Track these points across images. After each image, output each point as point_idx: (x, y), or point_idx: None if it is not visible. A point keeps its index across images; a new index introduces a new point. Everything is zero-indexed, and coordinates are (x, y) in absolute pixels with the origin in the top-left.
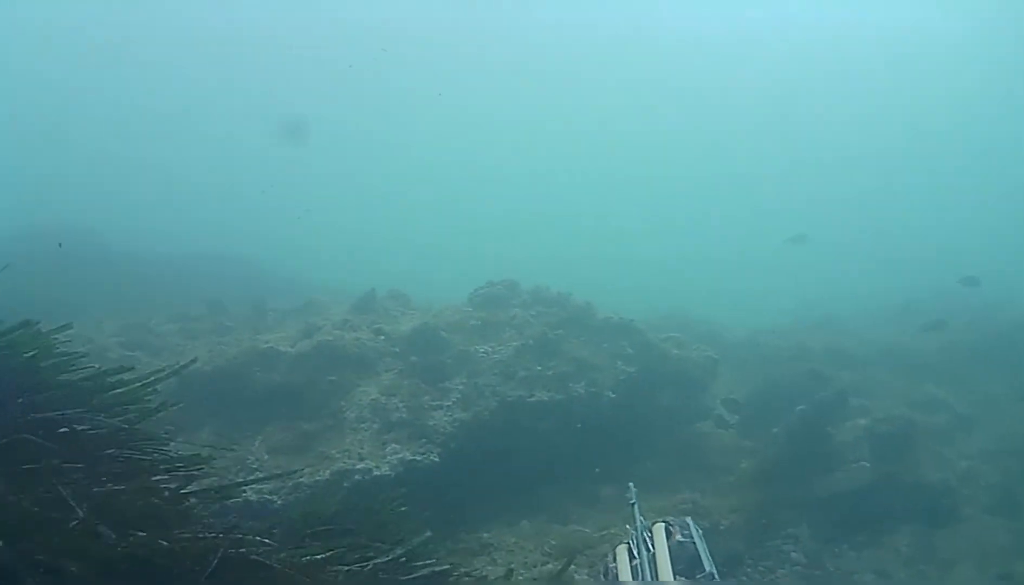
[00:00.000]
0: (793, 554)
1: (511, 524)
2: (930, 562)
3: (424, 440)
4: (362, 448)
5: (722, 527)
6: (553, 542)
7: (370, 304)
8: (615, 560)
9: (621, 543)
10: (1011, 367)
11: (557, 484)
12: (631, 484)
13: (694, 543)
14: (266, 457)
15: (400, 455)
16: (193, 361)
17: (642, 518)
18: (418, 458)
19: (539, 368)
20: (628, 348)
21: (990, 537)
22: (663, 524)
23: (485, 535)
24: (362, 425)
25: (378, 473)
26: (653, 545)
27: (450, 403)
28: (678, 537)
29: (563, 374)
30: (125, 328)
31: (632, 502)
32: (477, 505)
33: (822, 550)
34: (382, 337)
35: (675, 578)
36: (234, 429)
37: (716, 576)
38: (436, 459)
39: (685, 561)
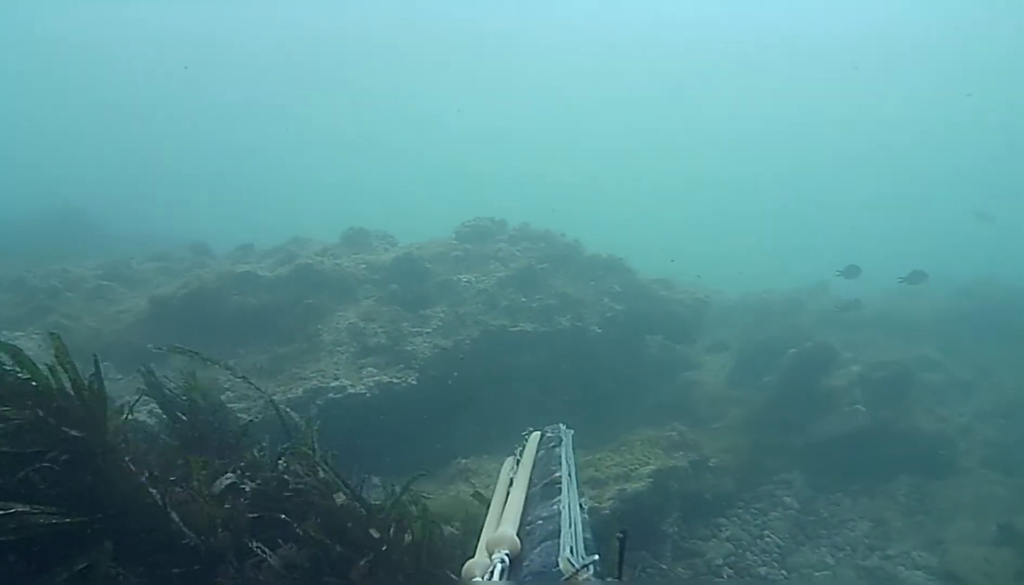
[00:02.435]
0: (786, 499)
1: (491, 451)
2: (928, 513)
3: (402, 365)
4: (338, 369)
5: (711, 464)
6: None
7: (357, 239)
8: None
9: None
10: (1006, 338)
11: (543, 415)
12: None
13: (559, 443)
14: (238, 378)
15: (377, 378)
16: None
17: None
18: (395, 381)
19: (523, 299)
20: (615, 286)
21: (988, 491)
22: (538, 432)
23: (463, 460)
24: (339, 348)
25: (352, 391)
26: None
27: (430, 330)
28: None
29: (548, 307)
30: (106, 264)
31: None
32: (457, 431)
33: (816, 496)
34: (363, 265)
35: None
36: (208, 353)
37: (573, 476)
38: (414, 383)
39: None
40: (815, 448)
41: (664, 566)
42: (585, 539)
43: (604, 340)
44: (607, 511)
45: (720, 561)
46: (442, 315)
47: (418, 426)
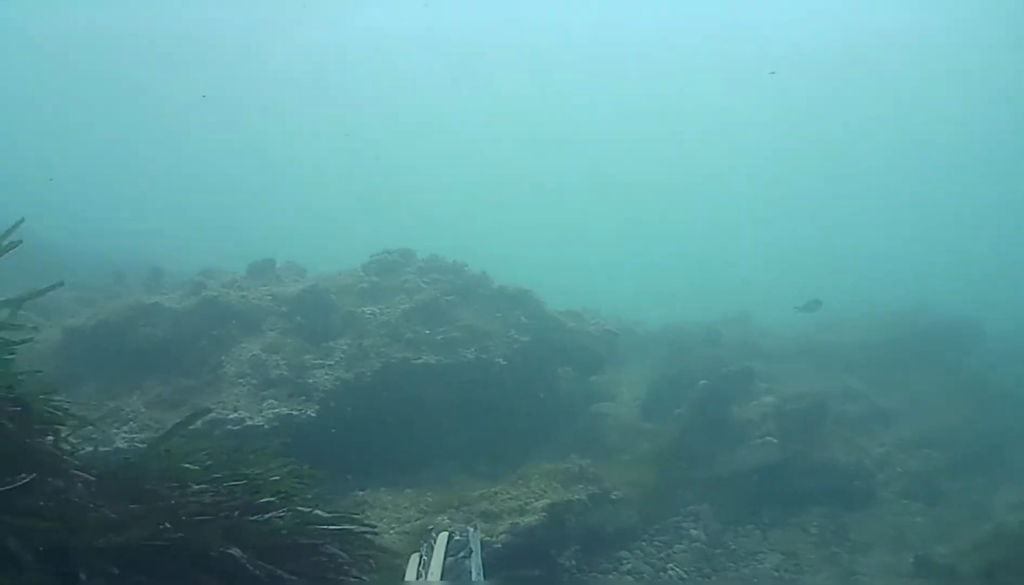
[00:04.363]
0: (693, 531)
1: (389, 484)
2: (842, 544)
3: (303, 397)
4: (238, 401)
5: (613, 496)
6: (429, 498)
7: (264, 270)
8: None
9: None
10: (932, 367)
11: (442, 451)
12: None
13: (469, 553)
14: (143, 410)
15: (277, 410)
16: None
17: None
18: (295, 413)
19: (427, 332)
20: (522, 317)
21: (907, 522)
22: (446, 534)
23: (360, 493)
24: (240, 380)
25: (251, 423)
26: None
27: (333, 362)
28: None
29: (452, 339)
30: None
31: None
32: (356, 464)
33: (725, 529)
34: (269, 297)
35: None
36: (115, 383)
37: None
38: (313, 415)
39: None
40: (725, 480)
41: None
42: None
43: (510, 372)
44: (499, 545)
45: None
46: (345, 347)
47: (317, 459)
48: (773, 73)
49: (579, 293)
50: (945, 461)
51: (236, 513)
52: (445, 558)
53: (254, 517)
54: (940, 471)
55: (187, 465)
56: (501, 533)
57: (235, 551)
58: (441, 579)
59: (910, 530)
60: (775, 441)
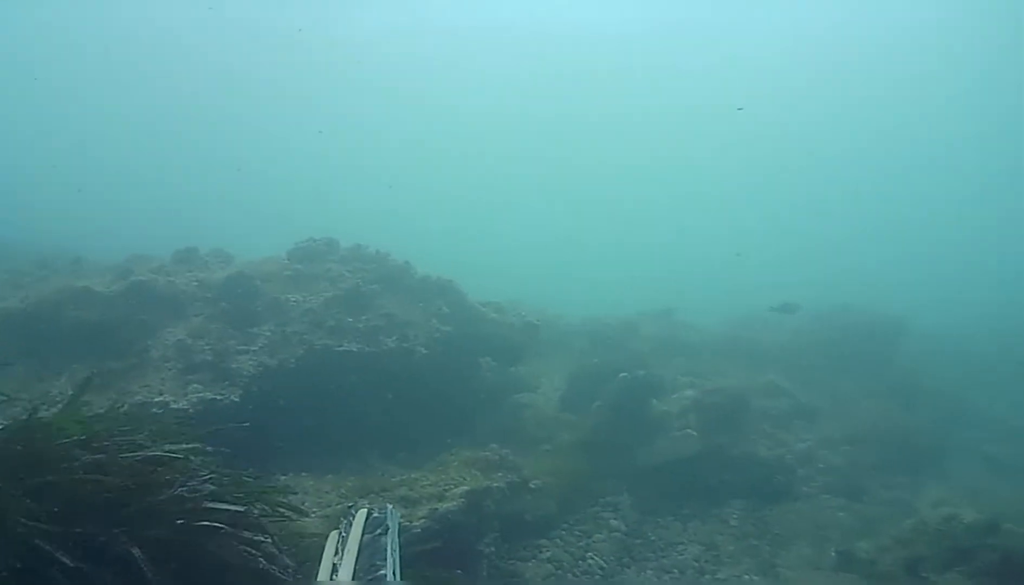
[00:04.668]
0: (612, 521)
1: (311, 469)
2: (763, 537)
3: (227, 382)
4: (163, 385)
5: (532, 485)
6: (350, 484)
7: (190, 257)
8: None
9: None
10: (858, 366)
11: (364, 438)
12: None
13: (386, 531)
14: (71, 392)
15: (201, 394)
16: None
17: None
18: (218, 398)
19: (350, 319)
20: (444, 307)
21: (829, 517)
22: (365, 511)
23: (283, 477)
24: (166, 364)
25: (175, 406)
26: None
27: (256, 348)
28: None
29: (374, 327)
30: None
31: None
32: (279, 449)
33: (644, 519)
34: (195, 283)
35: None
36: (44, 366)
37: (395, 572)
38: (236, 399)
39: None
40: (645, 472)
41: None
42: None
43: (431, 361)
44: (418, 530)
45: (538, 582)
46: (269, 333)
47: (240, 443)
48: (741, 109)
49: (503, 284)
50: (869, 458)
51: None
52: (363, 535)
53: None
54: (863, 468)
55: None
56: (420, 518)
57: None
58: (358, 555)
59: (832, 525)
60: (695, 434)
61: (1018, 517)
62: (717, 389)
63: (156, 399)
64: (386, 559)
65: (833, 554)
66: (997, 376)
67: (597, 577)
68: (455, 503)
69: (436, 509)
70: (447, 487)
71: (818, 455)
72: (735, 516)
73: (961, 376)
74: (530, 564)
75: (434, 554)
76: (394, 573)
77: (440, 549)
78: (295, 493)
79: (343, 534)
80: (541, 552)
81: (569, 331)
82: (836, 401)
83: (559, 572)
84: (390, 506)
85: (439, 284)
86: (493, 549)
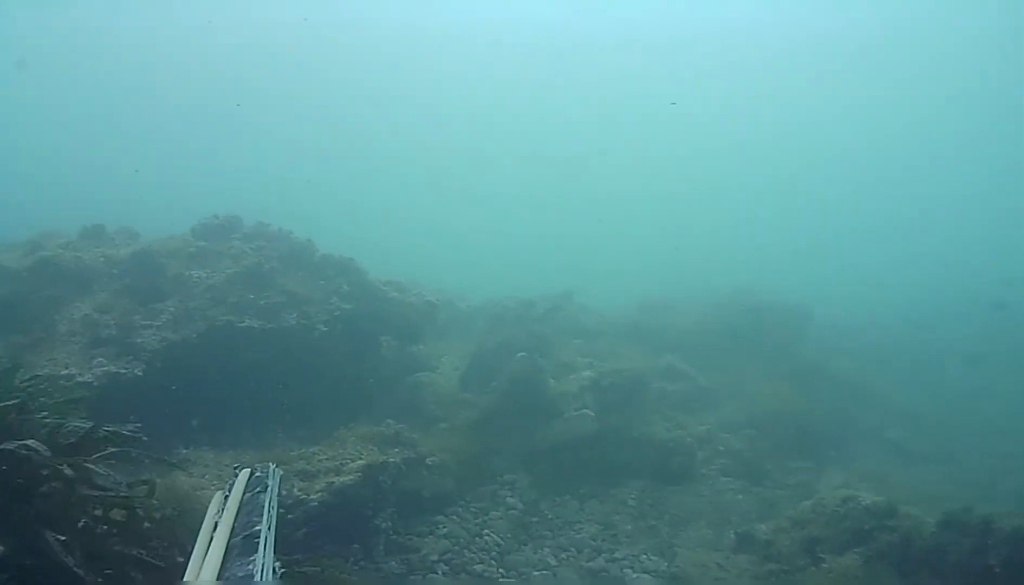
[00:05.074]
0: (509, 499)
1: (212, 443)
2: (661, 518)
3: (131, 357)
4: (69, 359)
5: (429, 462)
6: (249, 458)
7: (98, 233)
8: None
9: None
10: (758, 350)
11: (263, 412)
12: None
13: (265, 489)
14: None
15: (106, 368)
16: None
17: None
18: (123, 371)
19: (251, 296)
20: (345, 285)
21: (728, 499)
22: (248, 471)
23: (184, 450)
24: (73, 338)
25: (80, 380)
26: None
27: (159, 323)
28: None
29: (275, 305)
30: None
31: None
32: (181, 422)
33: (541, 498)
34: (102, 259)
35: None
36: None
37: (270, 527)
38: (140, 373)
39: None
40: (543, 451)
41: (377, 560)
42: None
43: (331, 338)
44: (315, 503)
45: (436, 557)
46: (172, 309)
47: (143, 416)
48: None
49: (405, 262)
50: (769, 442)
51: None
52: (244, 494)
53: None
54: (764, 452)
55: None
56: (318, 491)
57: None
58: (238, 512)
59: (731, 507)
60: (591, 414)
61: (916, 500)
62: (615, 370)
63: (62, 373)
64: (262, 516)
65: (732, 535)
66: (902, 365)
67: (494, 554)
68: (351, 477)
69: (333, 483)
70: (344, 461)
71: (718, 438)
72: (633, 496)
73: (867, 365)
74: (427, 540)
75: (331, 528)
76: (269, 528)
77: (337, 523)
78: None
79: (227, 493)
80: (438, 528)
81: (471, 311)
82: (736, 385)
83: (456, 548)
84: (272, 466)
85: (340, 262)
86: (390, 524)
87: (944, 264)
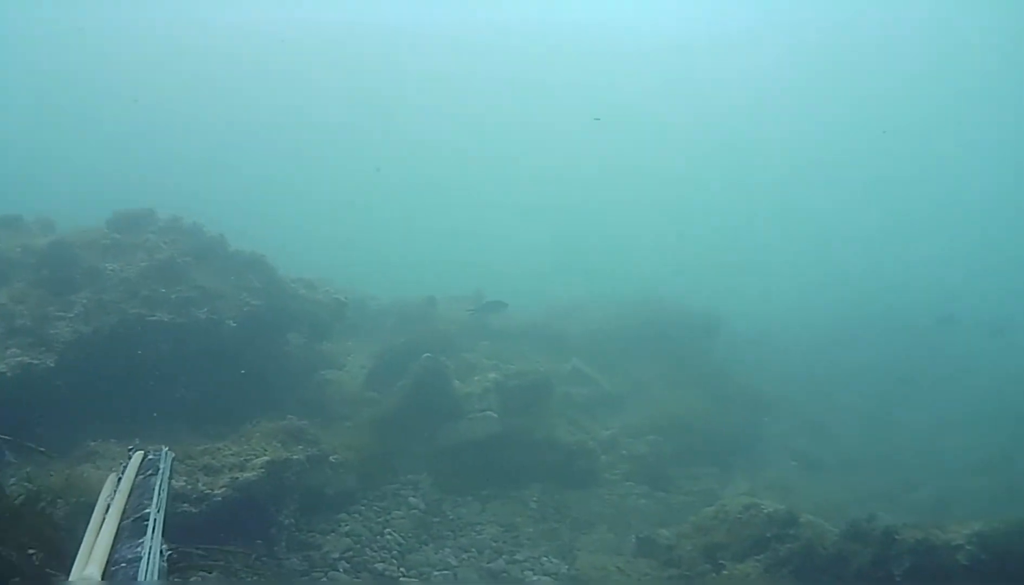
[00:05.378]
0: (411, 499)
1: (120, 436)
2: (563, 521)
3: (43, 348)
4: None
5: (332, 459)
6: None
7: (15, 223)
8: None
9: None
10: (663, 355)
11: (172, 406)
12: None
13: (156, 471)
14: None
15: (19, 358)
16: None
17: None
18: (35, 362)
19: (163, 290)
20: (255, 282)
21: (631, 504)
22: (141, 453)
23: (92, 443)
24: None
25: None
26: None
27: (72, 315)
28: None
29: (186, 299)
30: None
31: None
32: (90, 415)
33: (443, 499)
34: (19, 248)
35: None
36: None
37: (159, 509)
38: (52, 365)
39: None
40: (445, 452)
41: (279, 556)
42: None
43: (240, 334)
44: (219, 498)
45: (337, 555)
46: (85, 301)
47: (53, 408)
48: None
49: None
50: (673, 448)
51: None
52: (136, 476)
53: None
54: (668, 458)
55: None
56: (221, 487)
57: None
58: (130, 495)
59: (634, 512)
60: (495, 415)
61: (817, 509)
62: (520, 372)
63: None
64: (152, 499)
65: (633, 540)
66: (811, 375)
67: (395, 553)
68: (255, 473)
69: (237, 478)
70: (249, 457)
71: (622, 442)
72: (535, 499)
73: (776, 374)
74: (329, 537)
75: (235, 523)
76: (158, 510)
77: (241, 518)
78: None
79: (120, 476)
80: (340, 526)
81: (380, 311)
82: (643, 391)
83: (357, 546)
84: (165, 448)
85: (251, 259)
86: (293, 521)
87: (877, 283)
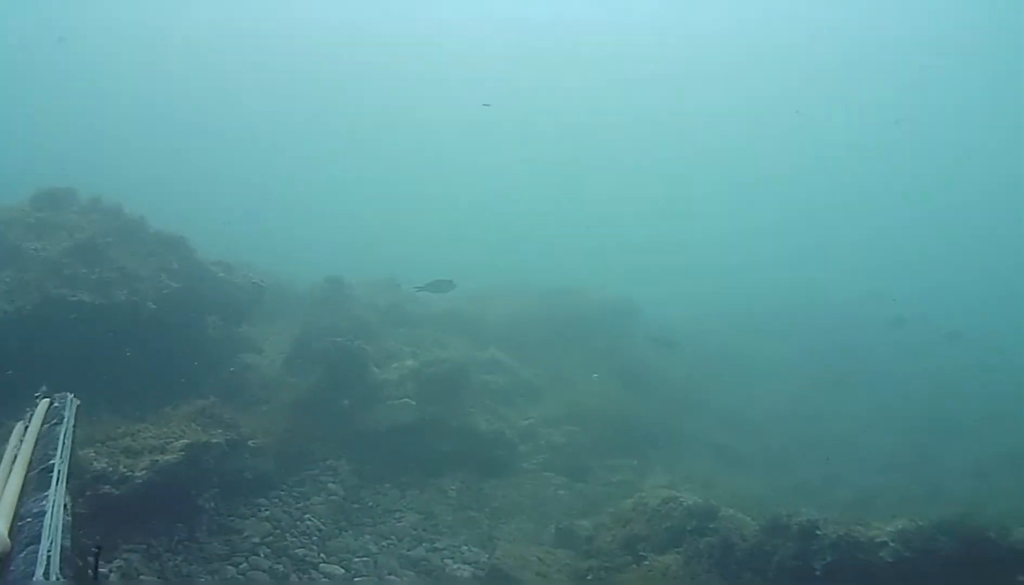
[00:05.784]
0: (331, 484)
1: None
2: (481, 510)
3: None
4: None
5: (251, 444)
6: (76, 433)
7: None
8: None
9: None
10: (582, 346)
11: (92, 388)
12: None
13: (61, 421)
14: None
15: None
16: None
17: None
18: None
19: (84, 270)
20: (174, 263)
21: (550, 494)
22: (47, 401)
23: (9, 423)
24: None
25: None
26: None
27: None
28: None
29: (107, 280)
30: None
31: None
32: (10, 396)
33: (362, 485)
34: None
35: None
36: None
37: (64, 459)
38: None
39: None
40: (363, 438)
41: (200, 540)
42: (63, 547)
43: (159, 316)
44: (140, 480)
45: (258, 540)
46: (8, 280)
47: None
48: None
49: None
50: (591, 439)
51: None
52: (42, 425)
53: None
54: (587, 449)
55: None
56: (142, 469)
57: None
58: (36, 444)
59: (553, 502)
60: (412, 402)
61: (737, 503)
62: (437, 360)
63: None
64: (57, 448)
65: (552, 529)
66: (733, 369)
67: (315, 539)
68: (175, 456)
69: (157, 461)
70: (168, 440)
71: (540, 432)
72: (454, 487)
73: (699, 368)
74: (249, 521)
75: (156, 506)
76: (63, 460)
77: (162, 501)
78: None
79: (26, 425)
80: (260, 511)
81: (301, 295)
82: (561, 380)
83: (278, 532)
84: (70, 396)
85: (171, 240)
86: (213, 505)
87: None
